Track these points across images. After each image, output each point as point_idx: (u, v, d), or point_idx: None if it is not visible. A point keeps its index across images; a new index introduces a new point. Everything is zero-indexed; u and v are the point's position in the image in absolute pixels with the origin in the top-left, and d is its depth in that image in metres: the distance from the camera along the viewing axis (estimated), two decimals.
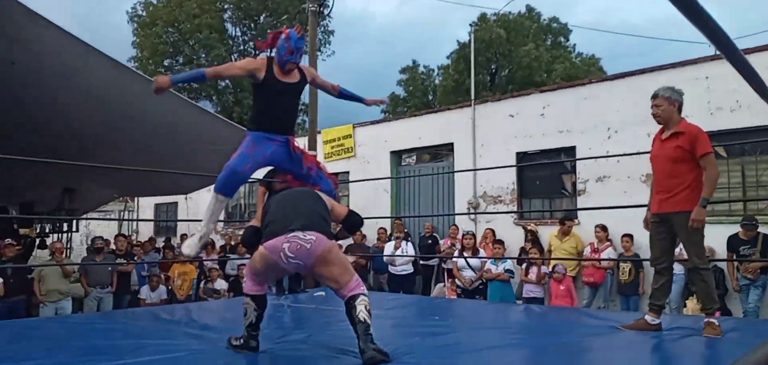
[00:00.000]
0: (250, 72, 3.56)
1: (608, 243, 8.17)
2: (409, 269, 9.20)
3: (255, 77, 3.57)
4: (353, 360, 2.98)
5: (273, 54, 3.60)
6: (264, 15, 25.15)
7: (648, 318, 3.93)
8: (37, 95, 6.81)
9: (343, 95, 4.10)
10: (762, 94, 2.35)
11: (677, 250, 4.03)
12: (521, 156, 9.80)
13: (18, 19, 5.40)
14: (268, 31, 3.69)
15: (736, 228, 7.10)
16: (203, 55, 23.94)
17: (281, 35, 3.54)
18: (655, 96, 3.92)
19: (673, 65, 8.30)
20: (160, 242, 12.80)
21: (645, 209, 4.16)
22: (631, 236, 7.82)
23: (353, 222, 3.55)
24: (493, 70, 26.34)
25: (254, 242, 3.26)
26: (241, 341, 3.27)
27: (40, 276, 7.64)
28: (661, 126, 3.95)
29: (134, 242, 12.17)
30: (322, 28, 24.62)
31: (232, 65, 3.70)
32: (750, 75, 2.10)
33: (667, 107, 3.85)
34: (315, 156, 3.97)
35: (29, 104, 7.01)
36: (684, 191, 3.72)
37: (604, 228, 8.20)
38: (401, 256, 9.00)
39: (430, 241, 9.89)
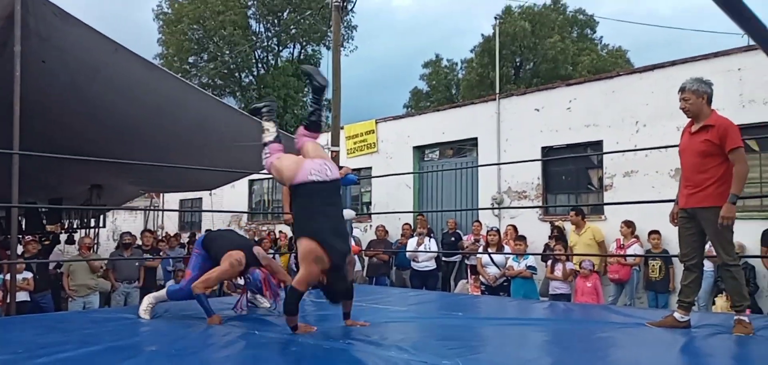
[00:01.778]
0: None
1: (634, 239, 8.03)
2: (432, 265, 9.17)
3: None
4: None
5: None
6: (288, 10, 25.25)
7: (676, 315, 3.86)
8: (66, 92, 6.93)
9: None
10: None
11: (707, 246, 3.94)
12: (547, 151, 9.68)
13: (49, 19, 5.50)
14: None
15: None
16: (227, 52, 24.16)
17: None
18: (682, 89, 3.84)
19: (705, 56, 8.11)
20: (184, 238, 12.97)
21: (672, 203, 4.08)
22: (658, 232, 7.68)
23: None
24: (518, 64, 26.11)
25: None
26: None
27: (70, 271, 7.81)
28: (690, 119, 3.87)
29: (159, 237, 12.35)
30: (346, 24, 24.66)
31: None
32: None
33: (695, 100, 3.76)
34: None
35: (58, 102, 7.14)
36: (712, 186, 3.63)
37: (629, 224, 8.06)
38: (424, 252, 8.98)
39: (452, 237, 9.84)
